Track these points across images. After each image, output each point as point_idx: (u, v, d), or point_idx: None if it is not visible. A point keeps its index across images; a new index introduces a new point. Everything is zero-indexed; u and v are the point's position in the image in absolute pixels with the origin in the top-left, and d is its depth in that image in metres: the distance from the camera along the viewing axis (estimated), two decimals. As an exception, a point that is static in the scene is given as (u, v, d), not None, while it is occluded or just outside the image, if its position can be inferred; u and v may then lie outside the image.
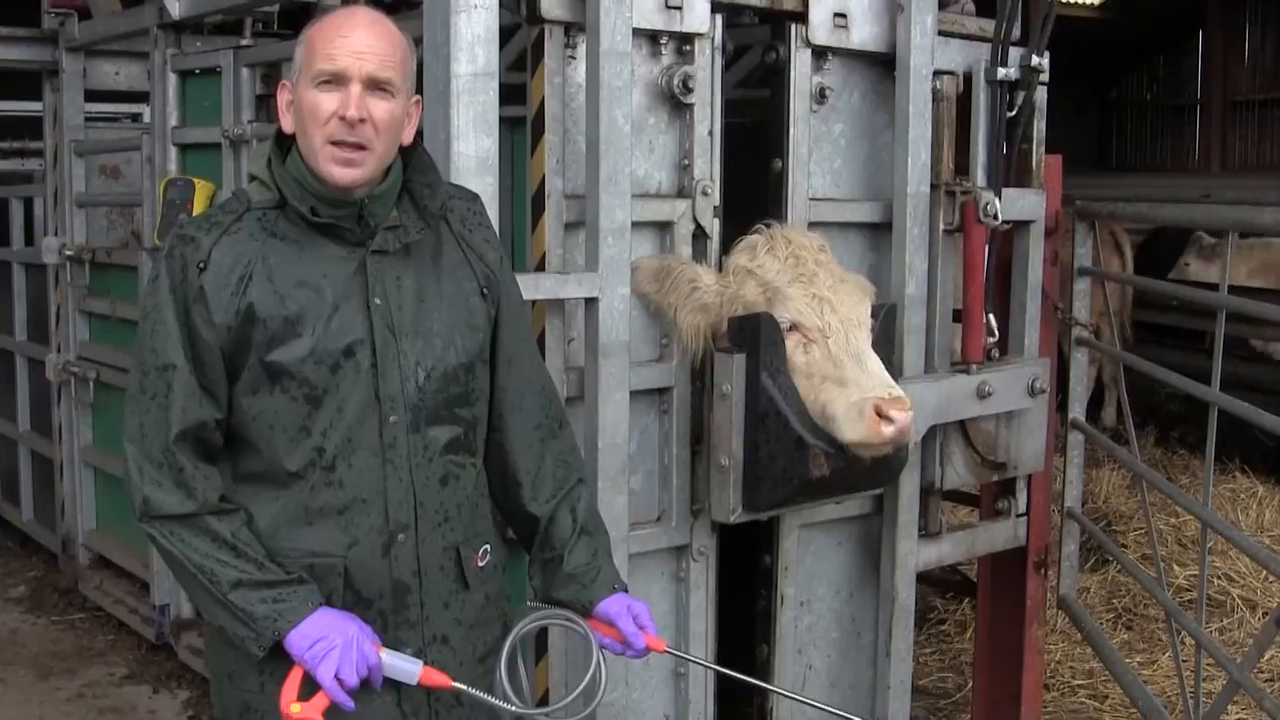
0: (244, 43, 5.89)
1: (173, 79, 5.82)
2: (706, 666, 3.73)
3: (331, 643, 2.57)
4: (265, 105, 5.65)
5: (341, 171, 2.60)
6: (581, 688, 2.78)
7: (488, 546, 2.87)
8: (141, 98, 7.46)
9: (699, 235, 3.83)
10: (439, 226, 2.79)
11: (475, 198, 2.97)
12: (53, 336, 7.15)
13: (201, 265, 2.61)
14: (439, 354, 2.72)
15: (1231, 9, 23.03)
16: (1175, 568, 6.76)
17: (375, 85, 2.60)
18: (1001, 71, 4.35)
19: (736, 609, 4.16)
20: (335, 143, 2.59)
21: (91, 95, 7.37)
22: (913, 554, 4.29)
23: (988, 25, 4.45)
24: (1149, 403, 10.54)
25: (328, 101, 2.58)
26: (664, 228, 3.80)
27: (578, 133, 3.61)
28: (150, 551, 6.16)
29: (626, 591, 2.93)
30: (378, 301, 2.66)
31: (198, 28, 5.90)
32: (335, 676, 2.56)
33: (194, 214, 5.49)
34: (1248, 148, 23.05)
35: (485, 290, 2.82)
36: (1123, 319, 10.19)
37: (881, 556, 4.30)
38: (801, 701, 3.41)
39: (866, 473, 3.75)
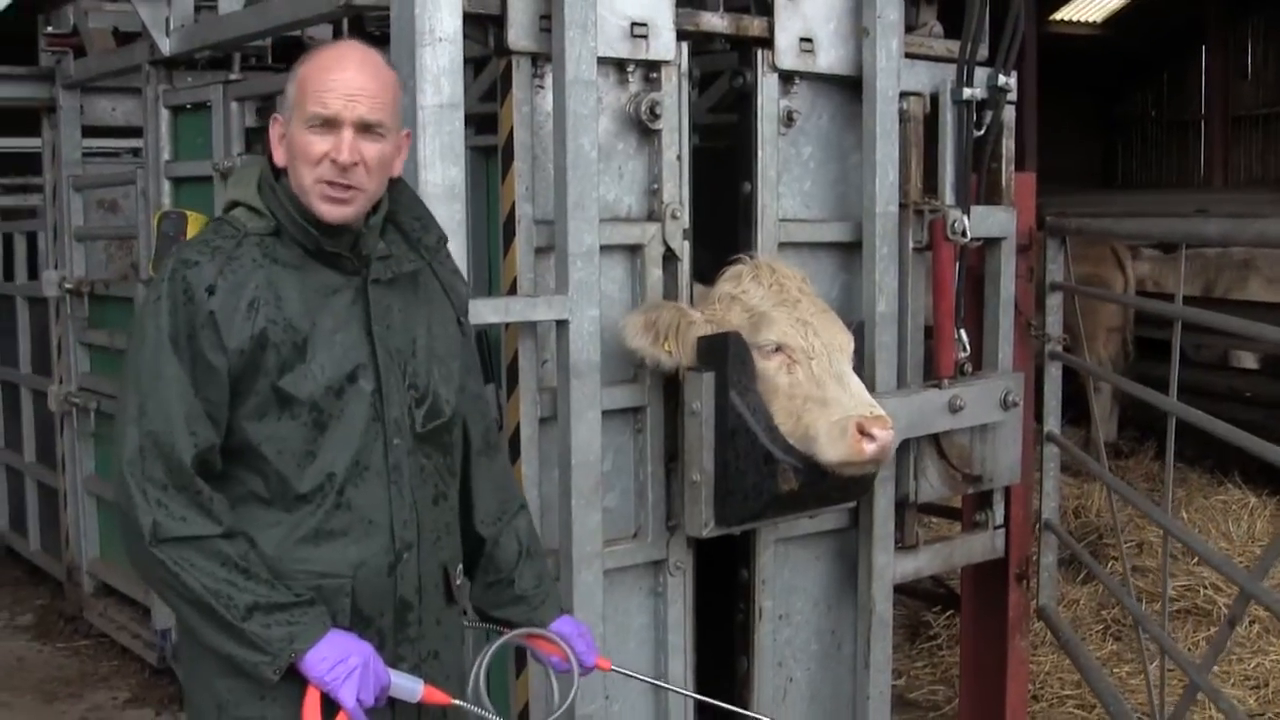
0: (233, 77, 5.99)
1: (165, 114, 5.93)
2: (646, 682, 3.82)
3: (351, 665, 2.57)
4: (256, 138, 5.75)
5: (331, 209, 2.63)
6: (567, 704, 2.87)
7: (460, 566, 2.96)
8: (139, 133, 7.58)
9: (669, 258, 3.92)
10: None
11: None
12: (55, 368, 7.25)
13: (210, 289, 2.59)
14: (427, 380, 2.79)
15: (1232, 25, 23.08)
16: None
17: (366, 128, 2.62)
18: (967, 92, 4.45)
19: (718, 622, 4.24)
20: (327, 182, 2.62)
21: (92, 131, 7.50)
22: (889, 566, 4.36)
23: (955, 47, 4.52)
24: (1148, 417, 10.56)
25: (320, 143, 2.61)
26: (634, 251, 3.88)
27: (546, 160, 3.69)
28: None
29: (570, 614, 3.08)
30: (378, 328, 2.71)
31: (190, 63, 6.01)
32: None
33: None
34: (1251, 162, 23.04)
35: (460, 320, 2.92)
36: (1124, 335, 10.24)
37: (858, 569, 4.37)
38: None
39: (838, 486, 3.82)
